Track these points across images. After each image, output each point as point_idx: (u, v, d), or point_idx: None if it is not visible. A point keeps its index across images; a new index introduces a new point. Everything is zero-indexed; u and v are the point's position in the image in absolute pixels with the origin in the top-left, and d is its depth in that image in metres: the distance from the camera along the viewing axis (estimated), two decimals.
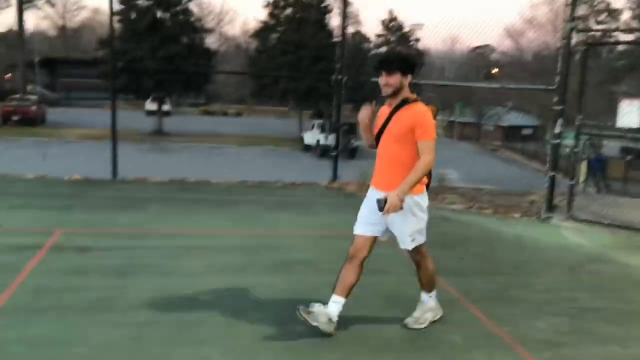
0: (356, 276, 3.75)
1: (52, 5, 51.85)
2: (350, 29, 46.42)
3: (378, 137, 3.70)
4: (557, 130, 7.50)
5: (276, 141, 31.28)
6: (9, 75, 46.66)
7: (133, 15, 30.93)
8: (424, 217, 3.73)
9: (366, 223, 3.74)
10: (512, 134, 41.30)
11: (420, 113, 3.52)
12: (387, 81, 3.53)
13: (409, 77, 3.58)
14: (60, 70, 49.47)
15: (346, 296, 3.74)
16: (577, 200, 7.94)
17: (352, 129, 21.76)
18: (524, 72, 38.14)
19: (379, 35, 49.76)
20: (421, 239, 3.78)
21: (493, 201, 9.01)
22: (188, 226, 6.32)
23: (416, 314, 4.03)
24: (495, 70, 51.32)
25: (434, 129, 3.53)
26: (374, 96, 3.88)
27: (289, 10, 36.10)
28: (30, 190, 7.84)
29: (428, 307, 4.03)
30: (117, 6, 30.70)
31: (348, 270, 3.75)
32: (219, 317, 3.89)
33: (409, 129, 3.50)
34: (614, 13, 35.18)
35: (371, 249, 3.77)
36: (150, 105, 36.41)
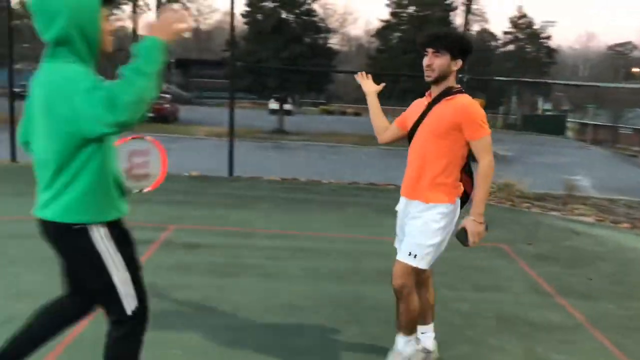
0: (424, 299, 3.21)
1: (187, 9, 55.12)
2: (476, 27, 44.94)
3: (411, 134, 3.06)
4: None
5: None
6: None
7: (259, 17, 31.93)
8: (442, 236, 2.96)
9: (398, 241, 3.18)
10: None
11: (468, 106, 2.87)
12: (432, 62, 2.88)
13: (459, 63, 2.92)
14: (192, 70, 52.60)
15: (428, 322, 3.29)
16: None
17: None
18: None
19: (506, 33, 47.60)
20: (422, 263, 2.94)
21: (631, 214, 8.09)
22: (295, 227, 6.25)
23: None
24: (637, 70, 47.18)
25: (486, 122, 2.89)
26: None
27: (411, 9, 35.51)
28: None
29: (404, 356, 3.11)
30: (244, 8, 32.02)
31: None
32: (317, 327, 3.71)
33: (453, 125, 2.86)
34: None
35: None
36: (273, 105, 37.53)
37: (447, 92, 2.94)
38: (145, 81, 1.94)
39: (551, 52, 47.35)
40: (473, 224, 2.88)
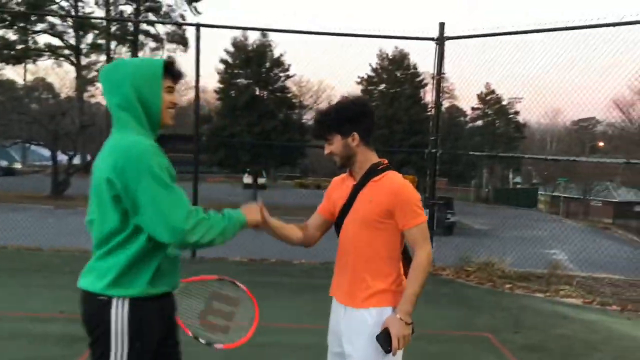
0: None
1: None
2: (446, 103, 46.04)
3: (338, 225, 2.58)
4: None
5: None
6: None
7: (232, 93, 32.15)
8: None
9: (332, 354, 2.64)
10: (623, 210, 38.00)
11: (399, 187, 2.43)
12: (329, 150, 2.51)
13: (356, 136, 2.46)
14: (166, 145, 52.45)
15: None
16: None
17: (449, 203, 20.72)
18: (633, 145, 35.53)
19: (474, 109, 48.81)
20: None
21: (618, 294, 7.67)
22: (260, 317, 5.62)
23: None
24: (601, 144, 48.48)
25: (421, 206, 2.47)
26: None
27: (382, 86, 36.27)
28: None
29: None
30: (217, 85, 32.26)
31: None
32: None
33: (385, 212, 2.41)
34: None
35: None
36: (247, 179, 37.26)
37: (373, 172, 2.49)
38: (219, 232, 2.16)
39: (519, 126, 48.52)
40: (399, 325, 2.32)
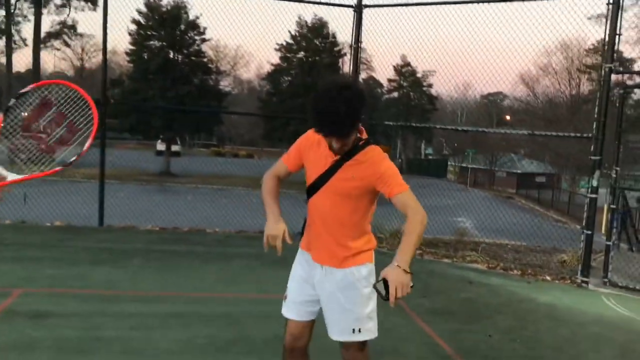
0: None
1: (68, 45, 52.34)
2: (363, 74, 46.44)
3: (313, 191, 2.62)
4: (594, 182, 6.65)
5: (286, 184, 30.44)
6: None
7: (145, 55, 30.80)
8: (373, 295, 2.60)
9: (298, 303, 2.70)
10: (525, 181, 40.30)
11: (382, 160, 2.52)
12: (340, 144, 2.47)
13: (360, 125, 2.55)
14: None
15: None
16: (613, 261, 7.02)
17: None
18: (537, 119, 37.54)
19: (391, 81, 49.60)
20: (370, 334, 2.66)
21: (519, 259, 8.11)
22: (170, 287, 5.47)
23: None
24: (508, 117, 50.93)
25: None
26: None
27: (301, 54, 35.98)
28: (1, 237, 7.05)
29: None
30: (128, 46, 30.77)
31: None
32: None
33: (369, 187, 2.51)
34: None
35: (312, 331, 2.76)
36: (161, 146, 36.10)
37: (356, 149, 2.52)
38: None
39: (432, 99, 49.94)
40: (398, 273, 2.23)
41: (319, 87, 2.51)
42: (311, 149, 2.63)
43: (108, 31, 7.83)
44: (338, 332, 2.63)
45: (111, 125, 34.05)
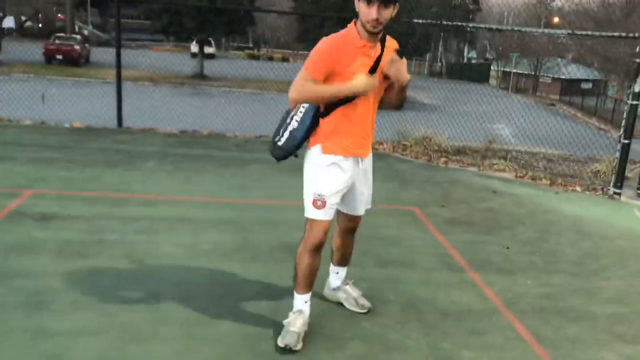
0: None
1: None
2: None
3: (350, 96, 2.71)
4: (637, 88, 6.11)
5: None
6: (61, 14, 46.45)
7: None
8: None
9: (336, 205, 2.86)
10: (570, 87, 38.53)
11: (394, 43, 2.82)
12: (381, 15, 2.54)
13: (397, 7, 2.64)
14: (109, 10, 49.07)
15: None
16: None
17: None
18: (588, 21, 35.24)
19: None
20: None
21: (550, 169, 7.76)
22: (181, 191, 5.38)
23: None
24: (556, 19, 48.09)
25: None
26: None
27: None
28: (20, 138, 7.04)
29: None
30: None
31: (316, 261, 2.89)
32: (182, 319, 2.95)
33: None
34: None
35: None
36: (195, 48, 35.63)
37: (385, 38, 2.73)
38: None
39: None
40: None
41: None
42: (346, 53, 2.62)
43: None
44: (364, 205, 3.04)
45: (143, 26, 33.65)
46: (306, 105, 2.75)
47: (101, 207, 4.70)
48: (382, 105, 2.92)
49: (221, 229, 4.44)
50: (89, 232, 4.12)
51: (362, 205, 3.02)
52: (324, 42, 2.62)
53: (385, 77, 2.72)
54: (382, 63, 2.68)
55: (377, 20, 2.53)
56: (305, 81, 2.59)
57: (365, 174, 2.94)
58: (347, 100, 2.66)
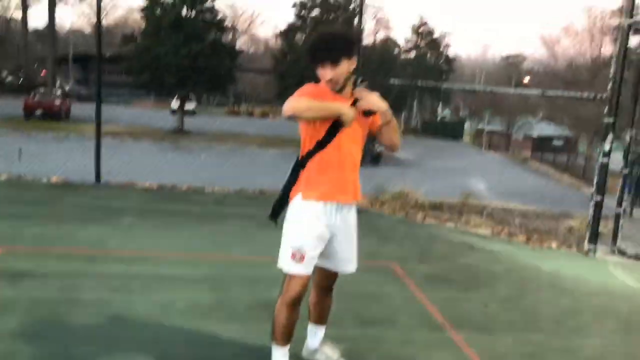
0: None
1: (80, 0, 51.91)
2: (380, 34, 45.44)
3: (329, 136, 2.75)
4: (606, 147, 6.31)
5: (298, 142, 30.14)
6: (44, 70, 46.68)
7: (158, 12, 30.29)
8: None
9: (316, 257, 2.83)
10: (542, 144, 39.54)
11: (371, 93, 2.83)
12: (333, 75, 2.67)
13: (355, 60, 2.74)
14: (91, 66, 49.45)
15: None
16: (623, 229, 6.74)
17: None
18: (556, 81, 36.59)
19: (408, 41, 48.53)
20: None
21: (525, 225, 7.85)
22: (158, 247, 5.30)
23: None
24: (526, 79, 49.82)
25: None
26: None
27: (315, 12, 35.20)
28: None
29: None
30: (141, 2, 30.26)
31: (295, 314, 2.90)
32: None
33: (370, 121, 2.85)
34: None
35: None
36: (175, 104, 35.89)
37: (354, 87, 2.83)
38: None
39: (450, 60, 48.92)
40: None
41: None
42: (326, 98, 2.71)
43: None
44: (351, 263, 2.99)
45: (125, 82, 33.94)
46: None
47: (76, 265, 4.60)
48: (385, 146, 3.04)
49: (198, 286, 4.37)
50: (62, 291, 4.02)
51: (342, 262, 2.97)
52: (308, 85, 2.77)
53: (365, 114, 2.76)
54: (357, 109, 2.74)
55: (331, 80, 2.67)
56: (299, 97, 2.68)
57: (347, 226, 2.89)
58: (325, 142, 2.74)
